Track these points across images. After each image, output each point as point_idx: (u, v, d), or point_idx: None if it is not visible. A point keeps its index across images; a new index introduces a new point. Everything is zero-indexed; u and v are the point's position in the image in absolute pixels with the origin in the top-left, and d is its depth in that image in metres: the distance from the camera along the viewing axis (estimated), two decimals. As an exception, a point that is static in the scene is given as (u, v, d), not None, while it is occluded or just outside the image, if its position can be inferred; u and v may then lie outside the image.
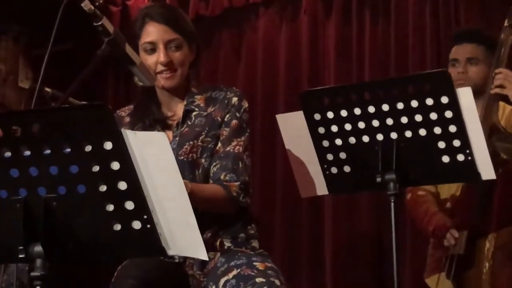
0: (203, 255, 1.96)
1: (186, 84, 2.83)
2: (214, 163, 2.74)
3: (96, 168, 1.89)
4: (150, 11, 2.78)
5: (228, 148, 2.74)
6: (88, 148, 1.88)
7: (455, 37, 3.58)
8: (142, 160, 1.89)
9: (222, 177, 2.70)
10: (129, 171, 1.88)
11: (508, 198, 3.13)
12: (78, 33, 4.72)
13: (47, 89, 2.84)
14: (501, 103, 3.32)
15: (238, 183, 2.70)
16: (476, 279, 3.15)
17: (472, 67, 3.44)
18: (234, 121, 2.77)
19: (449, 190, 3.44)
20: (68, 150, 1.89)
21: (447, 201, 3.46)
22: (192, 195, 2.38)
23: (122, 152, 1.87)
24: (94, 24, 2.47)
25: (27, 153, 1.90)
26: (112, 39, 2.49)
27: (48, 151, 1.89)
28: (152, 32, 2.75)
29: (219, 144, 2.76)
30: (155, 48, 2.75)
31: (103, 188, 1.90)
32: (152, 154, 1.89)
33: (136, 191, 1.89)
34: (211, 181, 2.73)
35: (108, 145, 1.87)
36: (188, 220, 1.93)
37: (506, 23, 3.29)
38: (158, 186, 1.90)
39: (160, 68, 2.75)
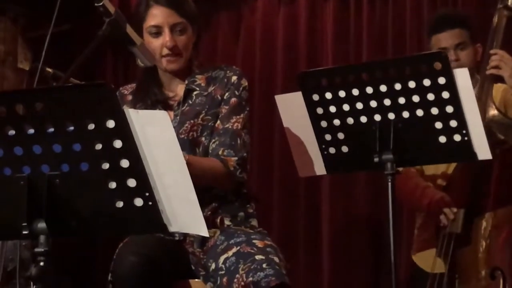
0: (204, 231, 1.99)
1: (188, 65, 2.86)
2: (213, 140, 2.78)
3: (98, 146, 1.91)
4: None
5: (227, 125, 2.78)
6: (91, 126, 1.90)
7: (435, 25, 3.54)
8: (144, 138, 1.91)
9: (220, 152, 2.74)
10: (131, 149, 1.91)
11: (505, 178, 3.16)
12: (76, 15, 4.73)
13: (48, 69, 2.87)
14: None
15: (236, 158, 2.74)
16: (472, 257, 3.18)
17: (461, 52, 3.44)
18: (233, 99, 2.81)
19: (437, 167, 3.45)
20: (71, 128, 1.91)
21: (437, 178, 3.47)
22: (189, 166, 2.41)
23: (124, 130, 1.90)
24: (95, 4, 2.49)
25: (31, 131, 1.92)
26: (113, 20, 2.51)
27: (51, 129, 1.92)
28: (157, 15, 2.77)
29: (218, 121, 2.79)
30: (160, 31, 2.78)
31: (106, 166, 1.92)
32: (154, 132, 1.92)
33: (138, 169, 1.91)
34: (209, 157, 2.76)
35: (111, 124, 1.89)
36: (189, 197, 1.96)
37: (499, 5, 3.31)
38: (160, 163, 1.93)
39: (165, 51, 2.78)
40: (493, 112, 3.16)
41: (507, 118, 3.18)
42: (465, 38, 3.47)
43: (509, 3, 3.29)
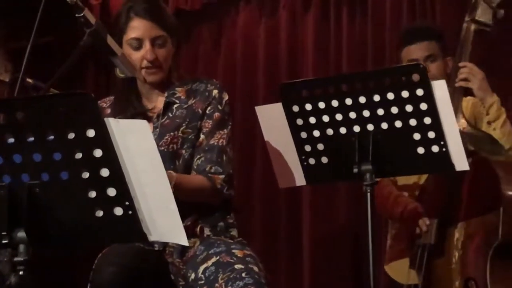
0: (183, 240, 1.99)
1: (167, 77, 2.87)
2: (198, 156, 2.79)
3: (79, 155, 1.92)
4: (135, 5, 2.80)
5: (212, 141, 2.79)
6: (71, 135, 1.91)
7: (406, 38, 3.60)
8: (124, 147, 1.92)
9: (207, 169, 2.76)
10: (111, 158, 1.91)
11: (476, 188, 3.17)
12: (57, 27, 4.74)
13: (29, 80, 2.87)
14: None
15: (223, 176, 2.76)
16: (445, 268, 3.18)
17: (431, 64, 3.48)
18: (217, 114, 2.82)
19: (408, 178, 3.49)
20: (52, 137, 1.92)
21: (409, 188, 3.50)
22: (178, 186, 2.44)
23: (104, 139, 1.90)
24: (76, 15, 2.50)
25: (11, 140, 1.93)
26: (94, 30, 2.52)
27: (31, 138, 1.92)
28: (138, 28, 2.78)
29: (202, 136, 2.80)
30: (140, 44, 2.79)
31: (86, 175, 1.93)
32: (134, 141, 1.93)
33: (118, 178, 1.92)
34: (194, 173, 2.78)
35: (91, 133, 1.90)
36: (169, 206, 1.97)
37: (467, 18, 3.35)
38: (140, 172, 1.94)
39: (145, 64, 2.79)
40: (463, 124, 3.19)
41: (477, 130, 3.22)
42: (435, 50, 3.52)
43: (476, 17, 3.32)
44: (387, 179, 3.54)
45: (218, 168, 2.76)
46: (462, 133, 3.05)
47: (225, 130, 2.83)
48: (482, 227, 3.14)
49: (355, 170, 2.48)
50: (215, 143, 2.79)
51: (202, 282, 2.59)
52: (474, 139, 3.08)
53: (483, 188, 3.16)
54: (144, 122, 1.99)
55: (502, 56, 4.03)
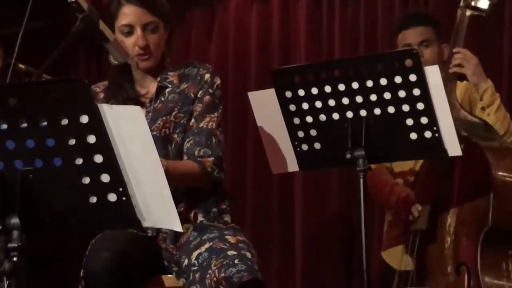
0: (177, 226, 2.00)
1: (160, 62, 2.87)
2: (188, 139, 2.79)
3: (72, 142, 1.92)
4: None
5: (201, 124, 2.79)
6: (65, 121, 1.91)
7: (402, 23, 3.61)
8: (118, 133, 1.92)
9: (196, 152, 2.75)
10: (105, 144, 1.91)
11: (468, 174, 3.17)
12: (49, 12, 4.72)
13: (21, 66, 2.86)
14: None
15: (212, 158, 2.76)
16: (438, 253, 3.18)
17: (425, 49, 3.49)
18: (207, 97, 2.82)
19: (403, 164, 3.50)
20: (45, 123, 1.92)
21: (406, 175, 3.51)
22: (167, 174, 2.44)
23: (98, 125, 1.91)
24: (68, 1, 2.49)
25: (4, 126, 1.93)
26: (87, 16, 2.51)
27: (24, 125, 1.92)
28: (129, 14, 2.78)
29: (192, 120, 2.80)
30: (132, 30, 2.78)
31: (79, 161, 1.93)
32: (128, 128, 1.93)
33: (112, 164, 1.92)
34: (185, 157, 2.78)
35: (84, 119, 1.90)
36: (163, 192, 1.97)
37: (462, 3, 3.34)
38: (133, 159, 1.94)
39: (137, 51, 2.78)
40: (457, 110, 3.19)
41: (471, 116, 3.22)
42: (430, 36, 3.52)
43: (471, 2, 3.32)
44: (384, 167, 3.55)
45: (207, 150, 2.76)
46: (456, 119, 3.06)
47: (215, 113, 2.83)
48: (473, 213, 3.14)
49: (348, 156, 2.48)
50: (204, 126, 2.79)
51: (195, 268, 2.59)
52: (468, 125, 3.08)
53: (474, 174, 3.16)
54: (138, 108, 1.99)
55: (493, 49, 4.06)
